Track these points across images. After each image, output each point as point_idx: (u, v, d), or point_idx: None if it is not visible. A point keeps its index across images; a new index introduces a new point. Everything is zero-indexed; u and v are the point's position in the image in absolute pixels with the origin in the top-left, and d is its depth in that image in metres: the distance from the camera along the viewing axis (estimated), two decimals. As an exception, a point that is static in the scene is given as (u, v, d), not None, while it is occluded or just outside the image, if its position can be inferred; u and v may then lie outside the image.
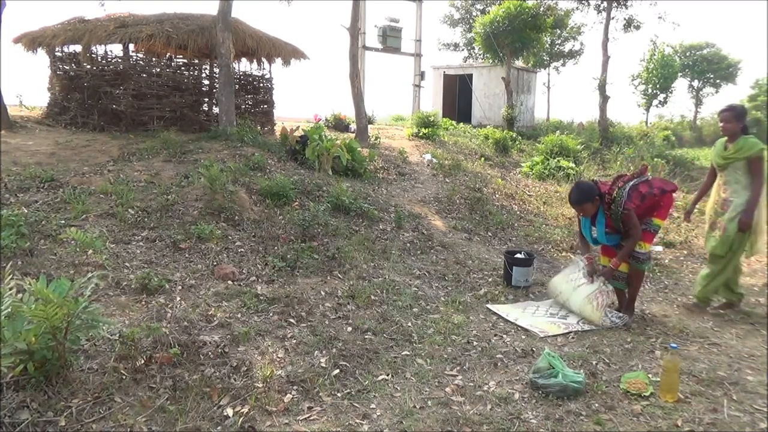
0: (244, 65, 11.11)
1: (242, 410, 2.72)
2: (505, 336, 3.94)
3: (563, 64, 27.82)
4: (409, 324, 4.03)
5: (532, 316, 4.33)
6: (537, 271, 5.53)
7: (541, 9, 16.87)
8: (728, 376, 3.28)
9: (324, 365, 3.25)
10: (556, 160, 11.77)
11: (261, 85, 11.04)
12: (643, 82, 25.16)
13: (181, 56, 9.99)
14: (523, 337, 3.94)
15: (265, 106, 11.09)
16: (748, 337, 4.02)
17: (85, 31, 8.70)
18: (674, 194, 4.27)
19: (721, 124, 4.40)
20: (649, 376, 3.22)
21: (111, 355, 2.95)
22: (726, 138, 4.42)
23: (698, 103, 32.36)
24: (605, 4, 18.80)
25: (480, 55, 22.87)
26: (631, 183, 4.10)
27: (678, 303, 4.85)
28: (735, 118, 4.28)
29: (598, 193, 4.12)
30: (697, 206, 4.88)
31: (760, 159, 4.21)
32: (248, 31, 9.65)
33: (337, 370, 3.21)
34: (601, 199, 4.13)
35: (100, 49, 9.19)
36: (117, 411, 2.57)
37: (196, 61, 9.92)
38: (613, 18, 18.86)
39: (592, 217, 4.25)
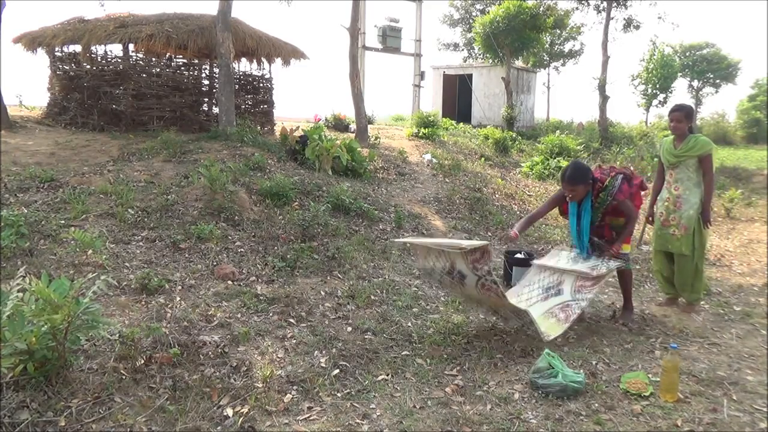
0: (244, 65, 11.14)
1: (242, 410, 2.72)
2: (505, 336, 3.94)
3: (563, 64, 27.80)
4: (409, 324, 4.04)
5: (530, 306, 4.15)
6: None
7: (541, 9, 16.87)
8: (728, 376, 3.28)
9: (324, 365, 3.25)
10: (556, 161, 11.78)
11: (261, 85, 11.04)
12: (642, 82, 25.11)
13: (180, 56, 9.99)
14: (523, 337, 3.94)
15: (265, 106, 11.10)
16: (748, 337, 4.02)
17: (84, 31, 8.71)
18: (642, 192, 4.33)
19: (672, 124, 4.46)
20: (649, 376, 3.22)
21: (111, 355, 2.95)
22: (673, 137, 4.53)
23: (698, 103, 32.30)
24: (605, 4, 18.79)
25: (480, 55, 22.88)
26: (622, 176, 4.11)
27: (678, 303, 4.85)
28: (686, 118, 4.41)
29: (593, 177, 4.06)
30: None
31: (711, 156, 4.39)
32: (248, 31, 9.65)
33: (337, 370, 3.21)
34: (593, 184, 4.07)
35: (99, 49, 9.20)
36: (117, 411, 2.57)
37: (196, 61, 9.93)
38: (612, 18, 18.86)
39: (578, 204, 4.14)
